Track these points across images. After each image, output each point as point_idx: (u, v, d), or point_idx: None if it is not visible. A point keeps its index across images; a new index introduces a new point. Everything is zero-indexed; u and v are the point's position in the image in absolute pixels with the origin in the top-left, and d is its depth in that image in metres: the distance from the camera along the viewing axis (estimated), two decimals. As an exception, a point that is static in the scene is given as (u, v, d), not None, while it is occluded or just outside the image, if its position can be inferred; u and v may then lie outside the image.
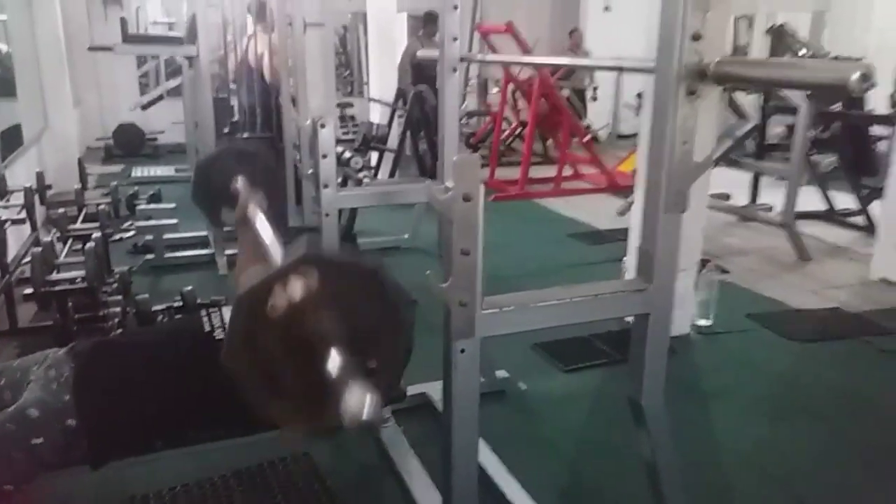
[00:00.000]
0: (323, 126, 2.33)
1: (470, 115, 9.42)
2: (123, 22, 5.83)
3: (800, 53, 5.85)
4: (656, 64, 1.40)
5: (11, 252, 3.39)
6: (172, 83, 7.44)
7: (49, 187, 4.31)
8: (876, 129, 5.64)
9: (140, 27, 7.92)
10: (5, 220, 3.29)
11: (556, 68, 7.76)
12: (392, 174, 6.17)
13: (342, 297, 0.97)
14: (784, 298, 3.85)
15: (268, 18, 4.42)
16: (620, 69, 2.37)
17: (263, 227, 1.79)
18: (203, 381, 1.61)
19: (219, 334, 1.69)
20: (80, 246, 3.41)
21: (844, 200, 5.35)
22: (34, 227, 3.94)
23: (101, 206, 4.03)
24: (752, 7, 9.57)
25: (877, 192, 4.80)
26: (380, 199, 2.80)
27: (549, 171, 7.02)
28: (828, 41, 9.56)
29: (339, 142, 2.61)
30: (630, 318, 1.59)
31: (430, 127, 5.68)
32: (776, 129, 6.28)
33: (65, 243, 3.80)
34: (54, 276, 3.01)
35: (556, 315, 1.49)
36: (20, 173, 4.45)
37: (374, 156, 6.81)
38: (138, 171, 7.39)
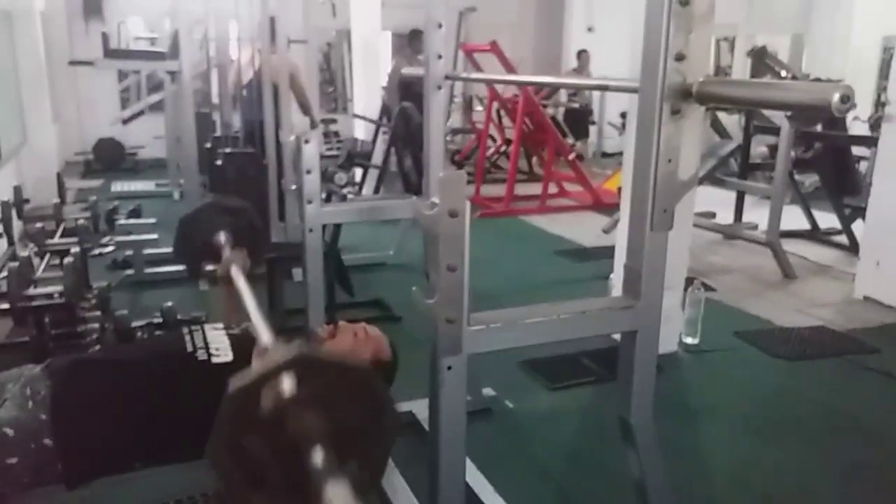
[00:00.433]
0: (307, 142, 2.31)
1: (455, 132, 9.46)
2: (105, 37, 5.79)
3: (781, 75, 5.95)
4: (640, 83, 1.41)
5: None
6: (154, 98, 7.41)
7: (27, 201, 4.25)
8: (856, 150, 5.72)
9: (122, 42, 7.88)
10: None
11: (540, 87, 7.82)
12: (377, 190, 6.16)
13: (328, 397, 0.99)
14: (770, 316, 3.86)
15: (252, 35, 4.41)
16: (605, 88, 2.39)
17: (246, 292, 1.78)
18: (184, 401, 1.57)
19: (201, 355, 1.66)
20: (58, 261, 3.35)
21: (827, 219, 5.40)
22: (11, 242, 3.87)
23: (80, 221, 3.96)
24: (734, 29, 9.74)
25: (859, 212, 4.86)
26: (364, 214, 2.78)
27: (535, 189, 7.04)
28: (806, 63, 9.74)
29: (323, 158, 2.59)
30: (617, 336, 1.58)
31: (415, 144, 5.68)
32: (759, 148, 6.36)
33: (42, 258, 3.72)
34: (31, 290, 2.95)
35: (543, 332, 1.47)
36: (-2, 187, 4.39)
37: (358, 172, 6.79)
38: (118, 186, 7.31)
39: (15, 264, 2.90)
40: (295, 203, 3.76)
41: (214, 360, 1.64)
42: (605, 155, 9.86)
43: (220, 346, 1.67)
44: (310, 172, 2.32)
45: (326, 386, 1.00)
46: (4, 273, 3.12)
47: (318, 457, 0.93)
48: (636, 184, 1.46)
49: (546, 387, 2.99)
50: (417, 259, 4.24)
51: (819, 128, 5.49)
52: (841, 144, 5.49)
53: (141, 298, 3.96)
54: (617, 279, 3.52)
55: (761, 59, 6.04)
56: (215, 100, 6.15)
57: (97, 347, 2.91)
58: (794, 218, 5.29)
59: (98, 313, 3.19)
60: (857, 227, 4.87)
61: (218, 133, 5.40)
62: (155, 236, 4.48)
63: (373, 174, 6.33)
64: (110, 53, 5.64)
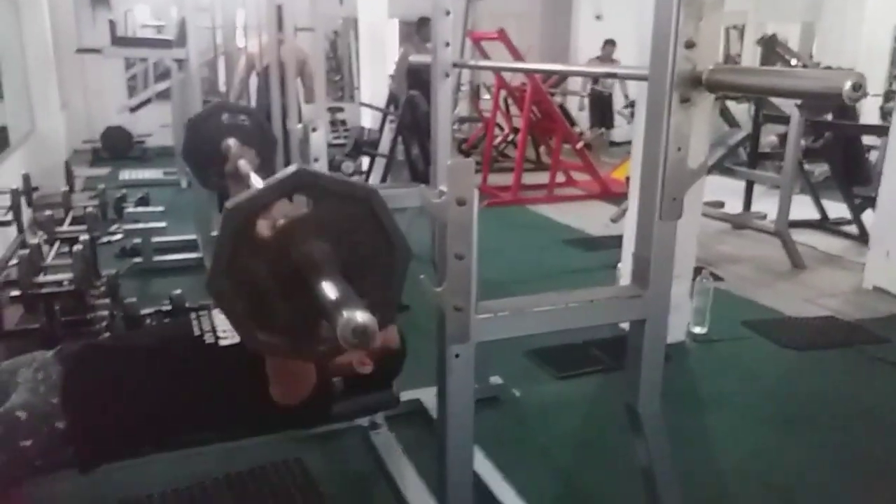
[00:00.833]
0: (314, 129, 2.31)
1: (462, 120, 9.43)
2: (112, 24, 5.79)
3: (792, 63, 5.89)
4: (650, 71, 1.40)
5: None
6: (161, 86, 7.41)
7: (36, 189, 4.27)
8: (867, 139, 5.67)
9: (129, 30, 7.88)
10: (-9, 222, 3.24)
11: (548, 75, 7.77)
12: (383, 179, 6.16)
13: (335, 222, 0.94)
14: (779, 306, 3.84)
15: (259, 23, 4.40)
16: (614, 76, 2.38)
17: (256, 181, 1.74)
18: (193, 384, 1.58)
19: (208, 338, 1.67)
20: (67, 248, 3.37)
21: (837, 209, 5.36)
22: (21, 229, 3.89)
23: (89, 209, 3.98)
24: (743, 16, 9.65)
25: (869, 202, 4.82)
26: (372, 203, 2.76)
27: (542, 178, 7.02)
28: (817, 52, 9.64)
29: (330, 146, 2.59)
30: (625, 325, 1.58)
31: (422, 132, 5.66)
32: (769, 137, 6.31)
33: (52, 245, 3.74)
34: (41, 278, 2.97)
35: (551, 320, 1.47)
36: (6, 175, 4.40)
37: (365, 161, 6.79)
38: (126, 174, 7.32)
39: (25, 252, 2.92)
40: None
41: (222, 342, 1.65)
42: (612, 144, 9.82)
43: (226, 329, 1.67)
44: (317, 160, 2.32)
45: (331, 209, 0.93)
46: (15, 260, 3.14)
47: (327, 287, 0.87)
48: (645, 172, 1.45)
49: (553, 376, 2.99)
50: (424, 248, 4.23)
51: (829, 117, 5.45)
52: (851, 134, 5.45)
53: (149, 286, 3.98)
54: (625, 268, 3.51)
55: (771, 48, 5.97)
56: (222, 88, 6.15)
57: (106, 334, 2.93)
58: (803, 208, 5.25)
59: (107, 301, 3.21)
60: (867, 216, 4.83)
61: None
62: (163, 224, 4.49)
63: (380, 163, 6.32)
64: (117, 41, 5.63)
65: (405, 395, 2.51)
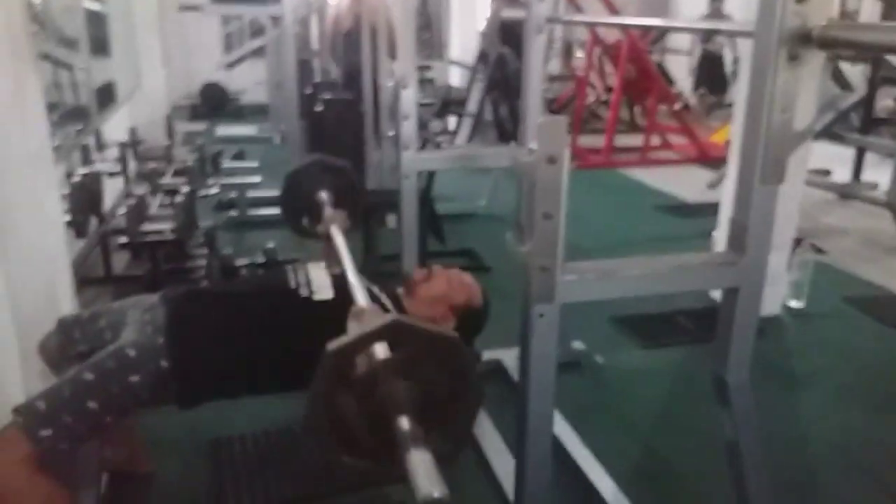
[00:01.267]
0: (405, 87, 2.31)
1: (553, 79, 9.21)
2: (213, -19, 5.94)
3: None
4: (756, 27, 1.32)
5: (107, 204, 3.54)
6: (256, 43, 7.59)
7: (140, 143, 4.48)
8: None
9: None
10: (103, 172, 3.43)
11: (646, 31, 7.46)
12: (470, 139, 6.13)
13: (420, 365, 1.04)
14: (885, 283, 3.61)
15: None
16: (717, 32, 2.23)
17: (344, 252, 1.86)
18: (286, 334, 1.65)
19: (303, 291, 1.73)
20: (168, 200, 3.53)
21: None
22: (127, 180, 4.11)
23: (189, 163, 4.16)
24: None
25: None
26: (459, 161, 2.76)
27: (636, 140, 6.81)
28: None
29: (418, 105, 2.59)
30: (717, 295, 1.52)
31: (511, 91, 5.59)
32: (884, 101, 5.87)
33: (154, 196, 3.94)
34: (146, 227, 3.14)
35: (639, 284, 1.43)
36: (113, 129, 4.64)
37: (452, 121, 6.77)
38: (222, 130, 7.59)
39: (133, 201, 3.08)
40: (391, 149, 3.80)
41: (316, 297, 1.70)
42: (721, 106, 9.37)
43: (321, 283, 1.72)
44: (407, 119, 2.33)
45: (417, 354, 1.04)
46: (122, 209, 3.33)
47: (404, 424, 0.98)
48: (747, 133, 1.37)
49: (638, 344, 2.94)
50: (509, 210, 4.21)
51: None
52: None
53: (244, 238, 4.14)
54: (720, 237, 3.38)
55: (893, 3, 5.51)
56: (315, 45, 6.24)
57: (204, 283, 3.08)
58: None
59: (205, 251, 3.37)
60: None
61: (317, 79, 5.49)
62: (258, 179, 4.64)
63: (467, 123, 6.28)
64: (217, -1, 5.80)
65: (486, 355, 2.53)
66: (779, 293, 3.21)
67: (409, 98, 2.31)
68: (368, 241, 3.60)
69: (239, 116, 8.56)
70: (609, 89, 7.69)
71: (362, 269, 1.78)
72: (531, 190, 1.26)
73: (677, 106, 6.94)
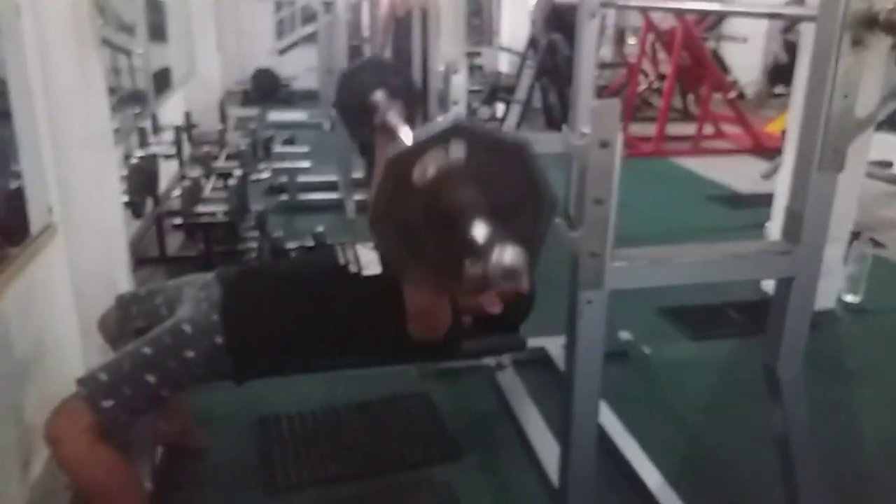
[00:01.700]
0: (455, 72, 2.32)
1: (604, 66, 9.06)
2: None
3: None
4: (819, 10, 1.29)
5: (162, 185, 3.65)
6: (308, 29, 7.65)
7: (195, 127, 4.59)
8: None
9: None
10: (159, 155, 3.53)
11: (702, 16, 7.27)
12: (518, 126, 6.08)
13: (486, 170, 1.00)
14: (948, 279, 3.48)
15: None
16: (778, 16, 2.16)
17: (405, 131, 1.80)
18: (336, 309, 1.67)
19: (352, 268, 1.75)
20: (221, 183, 3.61)
21: None
22: (182, 163, 4.22)
23: (242, 148, 4.25)
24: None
25: None
26: (508, 147, 2.75)
27: (688, 129, 6.66)
28: None
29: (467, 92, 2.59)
30: (770, 286, 1.49)
31: (561, 78, 5.53)
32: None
33: (208, 179, 4.04)
34: (199, 208, 3.22)
35: (690, 272, 1.41)
36: (169, 113, 4.75)
37: (500, 108, 6.73)
38: (273, 116, 7.69)
39: (187, 183, 3.17)
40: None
41: (364, 272, 1.72)
42: (771, 95, 9.09)
43: (369, 260, 1.74)
44: (457, 104, 2.33)
45: (484, 157, 1.00)
46: (177, 191, 3.42)
47: (480, 227, 0.94)
48: (806, 119, 1.34)
49: (687, 336, 2.89)
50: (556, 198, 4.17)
51: None
52: None
53: (294, 222, 4.20)
54: (774, 228, 3.30)
55: (968, -14, 5.27)
56: (366, 32, 6.26)
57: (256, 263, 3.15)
58: None
59: (256, 234, 3.44)
60: None
61: (367, 65, 5.49)
62: (308, 164, 4.71)
63: (515, 109, 6.24)
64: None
65: (531, 343, 2.52)
66: (834, 287, 3.12)
67: (459, 83, 2.31)
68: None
69: (290, 102, 8.65)
70: (662, 77, 7.53)
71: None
72: (582, 174, 1.26)
73: (731, 94, 6.76)
